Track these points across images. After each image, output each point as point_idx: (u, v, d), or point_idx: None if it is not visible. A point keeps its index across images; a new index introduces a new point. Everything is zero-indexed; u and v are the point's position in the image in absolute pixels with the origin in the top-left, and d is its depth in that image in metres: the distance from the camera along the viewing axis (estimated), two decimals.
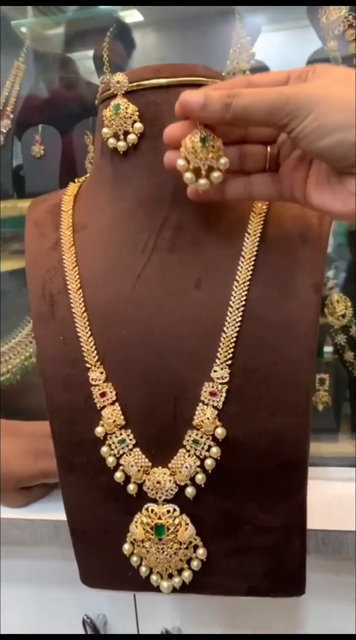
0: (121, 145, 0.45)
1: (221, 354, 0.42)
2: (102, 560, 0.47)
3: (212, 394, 0.42)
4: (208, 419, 0.41)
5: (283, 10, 0.83)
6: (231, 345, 0.42)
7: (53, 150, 0.79)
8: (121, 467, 0.43)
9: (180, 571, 0.43)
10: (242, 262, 0.43)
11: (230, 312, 0.42)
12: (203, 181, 0.39)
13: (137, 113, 0.44)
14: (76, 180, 0.54)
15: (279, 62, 0.84)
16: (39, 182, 0.80)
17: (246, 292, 0.42)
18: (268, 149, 0.41)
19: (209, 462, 0.42)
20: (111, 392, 0.44)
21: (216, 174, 0.38)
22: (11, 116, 0.80)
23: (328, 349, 0.78)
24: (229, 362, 0.42)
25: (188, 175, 0.39)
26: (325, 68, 0.36)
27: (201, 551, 0.43)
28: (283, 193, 0.41)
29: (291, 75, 0.37)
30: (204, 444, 0.42)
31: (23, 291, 0.81)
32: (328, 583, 0.59)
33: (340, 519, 0.57)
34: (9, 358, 0.76)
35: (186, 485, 0.42)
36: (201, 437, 0.42)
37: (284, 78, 0.37)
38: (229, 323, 0.42)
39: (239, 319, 0.42)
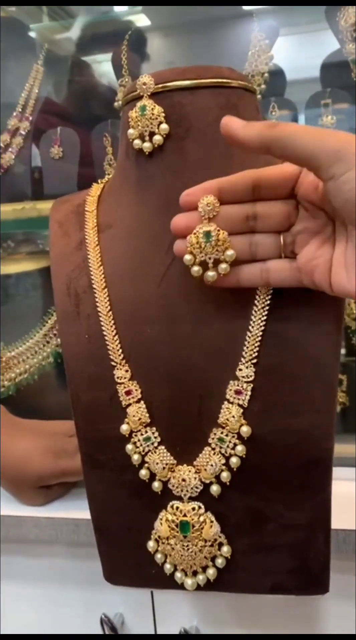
0: (147, 146, 0.45)
1: (246, 352, 0.42)
2: (126, 557, 0.47)
3: (237, 392, 0.42)
4: (234, 417, 0.42)
5: (300, 13, 0.83)
6: (256, 344, 0.42)
7: (71, 152, 0.80)
8: (146, 465, 0.44)
9: (204, 568, 0.44)
10: None
11: (255, 311, 0.42)
12: (210, 273, 0.40)
13: (163, 114, 0.45)
14: (98, 181, 0.55)
15: (295, 65, 0.84)
16: (57, 184, 0.80)
17: (271, 290, 0.42)
18: (281, 238, 0.40)
19: (234, 460, 0.42)
20: (136, 390, 0.44)
21: (223, 266, 0.40)
22: (30, 118, 0.81)
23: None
24: (254, 360, 0.42)
25: (195, 269, 0.40)
26: None
27: (226, 549, 0.43)
28: (303, 280, 0.39)
29: None
30: (230, 442, 0.42)
31: (40, 291, 0.82)
32: (348, 584, 0.59)
33: None
34: (27, 358, 0.77)
35: (211, 483, 0.43)
36: (226, 435, 0.42)
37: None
38: (254, 321, 0.42)
39: (265, 317, 0.42)
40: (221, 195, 0.39)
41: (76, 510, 0.63)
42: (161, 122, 0.45)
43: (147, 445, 0.44)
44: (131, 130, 0.46)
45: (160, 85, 0.45)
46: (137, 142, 0.46)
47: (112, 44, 0.88)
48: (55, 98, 0.85)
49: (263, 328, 0.42)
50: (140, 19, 0.91)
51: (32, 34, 0.92)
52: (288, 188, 0.39)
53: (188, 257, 0.40)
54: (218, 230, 0.39)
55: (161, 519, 0.44)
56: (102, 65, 0.91)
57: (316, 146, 0.34)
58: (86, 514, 0.48)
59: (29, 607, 0.71)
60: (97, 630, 0.67)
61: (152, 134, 0.45)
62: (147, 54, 0.88)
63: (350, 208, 0.34)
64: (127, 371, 0.44)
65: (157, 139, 0.45)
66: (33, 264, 0.82)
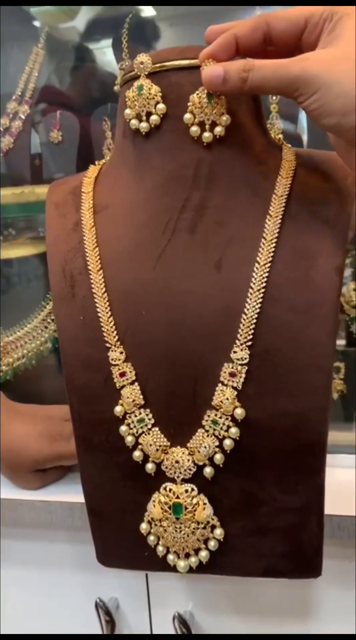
0: (144, 126, 0.45)
1: (241, 335, 0.42)
2: (119, 539, 0.47)
3: (231, 374, 0.42)
4: (227, 399, 0.42)
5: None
6: (251, 327, 0.42)
7: (71, 136, 0.80)
8: (139, 447, 0.44)
9: (197, 551, 0.44)
10: (264, 243, 0.43)
11: (251, 294, 0.42)
12: (206, 134, 0.43)
13: (160, 94, 0.44)
14: (96, 162, 0.54)
15: None
16: (56, 168, 0.80)
17: (267, 273, 0.42)
18: None
19: (228, 443, 0.42)
20: (130, 372, 0.44)
21: (218, 129, 0.43)
22: (30, 102, 0.80)
23: (340, 342, 0.78)
24: (249, 343, 0.42)
25: (194, 129, 0.43)
26: (343, 24, 0.38)
27: (219, 531, 0.43)
28: None
29: (308, 22, 0.39)
30: (223, 424, 0.42)
31: (39, 276, 0.82)
32: (342, 570, 0.59)
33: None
34: (25, 343, 0.76)
35: (204, 465, 0.43)
36: (220, 418, 0.42)
37: (302, 24, 0.40)
38: (249, 304, 0.42)
39: (260, 300, 0.42)
40: (237, 40, 0.41)
41: (71, 494, 0.63)
42: (158, 102, 0.44)
43: (141, 427, 0.44)
44: (127, 110, 0.45)
45: (158, 65, 0.44)
46: (134, 122, 0.45)
47: (114, 31, 0.88)
48: (55, 83, 0.85)
49: (258, 311, 0.42)
50: (145, 8, 0.90)
51: (36, 24, 0.90)
52: (296, 37, 0.41)
53: (187, 115, 0.43)
54: (219, 95, 0.42)
55: (154, 501, 0.44)
56: (105, 55, 0.90)
57: (281, 83, 0.38)
58: (80, 498, 0.48)
59: (23, 591, 0.71)
60: (91, 613, 0.67)
61: (149, 114, 0.45)
62: (154, 37, 0.87)
63: (321, 128, 0.39)
64: (121, 353, 0.44)
65: (154, 118, 0.44)
66: (33, 249, 0.82)
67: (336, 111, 0.36)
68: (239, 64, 0.39)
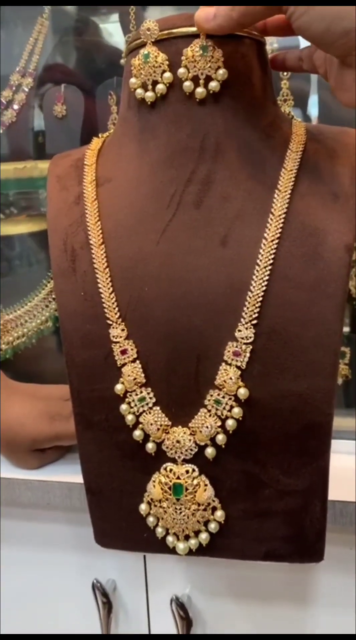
0: (149, 95, 0.43)
1: (246, 313, 0.41)
2: (118, 520, 0.46)
3: (235, 353, 0.41)
4: (231, 379, 0.40)
5: None
6: (257, 305, 0.40)
7: (75, 110, 0.78)
8: (140, 426, 0.42)
9: (197, 533, 0.43)
10: (271, 218, 0.41)
11: (257, 271, 0.41)
12: (200, 90, 0.42)
13: (167, 62, 0.43)
14: (99, 135, 0.53)
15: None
16: (60, 144, 0.78)
17: (274, 250, 0.41)
18: None
19: (230, 423, 0.41)
20: (132, 349, 0.43)
21: (213, 84, 0.42)
22: (33, 74, 0.78)
23: (345, 328, 0.77)
24: (254, 321, 0.40)
25: (187, 84, 0.42)
26: None
27: (219, 513, 0.42)
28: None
29: None
30: (226, 404, 0.41)
31: (40, 254, 0.81)
32: (343, 556, 0.59)
33: None
34: (25, 322, 0.75)
35: (206, 446, 0.41)
36: (223, 397, 0.41)
37: None
38: (255, 282, 0.41)
39: (267, 277, 0.40)
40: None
41: (70, 474, 0.62)
42: (164, 71, 0.43)
43: (142, 406, 0.42)
44: (133, 79, 0.44)
45: (165, 32, 0.43)
46: (139, 91, 0.44)
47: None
48: (59, 56, 0.83)
49: (264, 288, 0.40)
50: None
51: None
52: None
53: (181, 70, 0.42)
54: (214, 47, 0.41)
55: (154, 481, 0.43)
56: (112, 35, 0.88)
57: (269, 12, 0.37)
58: (79, 479, 0.47)
59: (21, 571, 0.71)
60: (88, 595, 0.66)
61: (155, 83, 0.43)
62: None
63: (307, 38, 0.37)
64: (123, 330, 0.43)
65: (161, 88, 0.43)
66: (33, 226, 0.80)
67: (327, 14, 0.34)
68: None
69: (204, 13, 0.39)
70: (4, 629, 0.73)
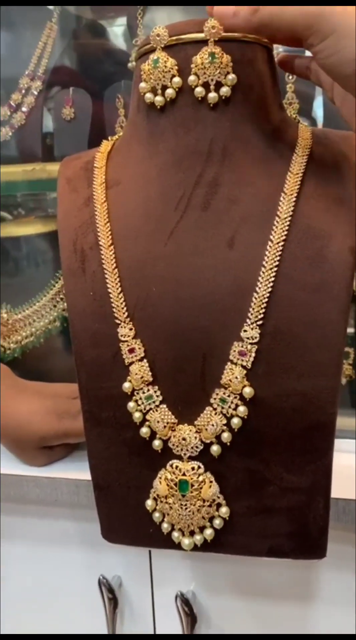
0: (159, 100, 0.44)
1: (252, 313, 0.41)
2: (125, 515, 0.47)
3: (241, 353, 0.42)
4: (237, 378, 0.41)
5: None
6: (262, 305, 0.41)
7: (84, 113, 0.79)
8: (147, 423, 0.43)
9: (202, 529, 0.44)
10: (277, 221, 0.42)
11: (263, 272, 0.41)
12: (212, 95, 0.43)
13: (176, 67, 0.43)
14: (109, 138, 0.54)
15: None
16: (68, 146, 0.79)
17: (280, 252, 0.41)
18: None
19: (235, 421, 0.42)
20: (139, 348, 0.44)
21: (224, 89, 0.43)
22: (43, 77, 0.79)
23: (349, 329, 0.77)
24: (260, 322, 0.41)
25: (198, 90, 0.43)
26: None
27: (224, 510, 0.43)
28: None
29: None
30: (232, 402, 0.42)
31: (48, 255, 0.82)
32: (345, 554, 0.59)
33: None
34: (33, 321, 0.77)
35: (211, 443, 0.42)
36: (229, 396, 0.42)
37: None
38: (261, 283, 0.41)
39: (272, 279, 0.41)
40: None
41: (77, 471, 0.63)
42: (174, 76, 0.44)
43: (149, 404, 0.43)
44: (142, 84, 0.45)
45: (174, 38, 0.44)
46: (148, 95, 0.45)
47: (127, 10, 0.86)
48: (68, 59, 0.84)
49: (270, 290, 0.41)
50: None
51: (50, 7, 0.89)
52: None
53: (192, 77, 0.42)
54: (222, 53, 0.42)
55: (160, 478, 0.43)
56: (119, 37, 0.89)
57: (294, 19, 0.36)
58: (86, 476, 0.48)
59: (27, 568, 0.72)
60: (94, 591, 0.67)
61: (164, 88, 0.44)
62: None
63: (334, 75, 0.37)
64: (131, 329, 0.44)
65: (170, 92, 0.44)
66: (42, 227, 0.81)
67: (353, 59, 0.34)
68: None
69: (224, 10, 0.39)
70: (10, 625, 0.74)
